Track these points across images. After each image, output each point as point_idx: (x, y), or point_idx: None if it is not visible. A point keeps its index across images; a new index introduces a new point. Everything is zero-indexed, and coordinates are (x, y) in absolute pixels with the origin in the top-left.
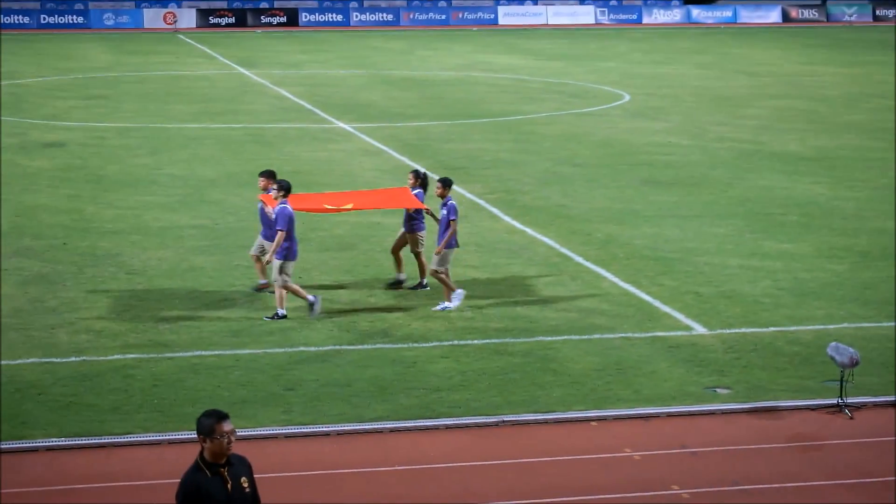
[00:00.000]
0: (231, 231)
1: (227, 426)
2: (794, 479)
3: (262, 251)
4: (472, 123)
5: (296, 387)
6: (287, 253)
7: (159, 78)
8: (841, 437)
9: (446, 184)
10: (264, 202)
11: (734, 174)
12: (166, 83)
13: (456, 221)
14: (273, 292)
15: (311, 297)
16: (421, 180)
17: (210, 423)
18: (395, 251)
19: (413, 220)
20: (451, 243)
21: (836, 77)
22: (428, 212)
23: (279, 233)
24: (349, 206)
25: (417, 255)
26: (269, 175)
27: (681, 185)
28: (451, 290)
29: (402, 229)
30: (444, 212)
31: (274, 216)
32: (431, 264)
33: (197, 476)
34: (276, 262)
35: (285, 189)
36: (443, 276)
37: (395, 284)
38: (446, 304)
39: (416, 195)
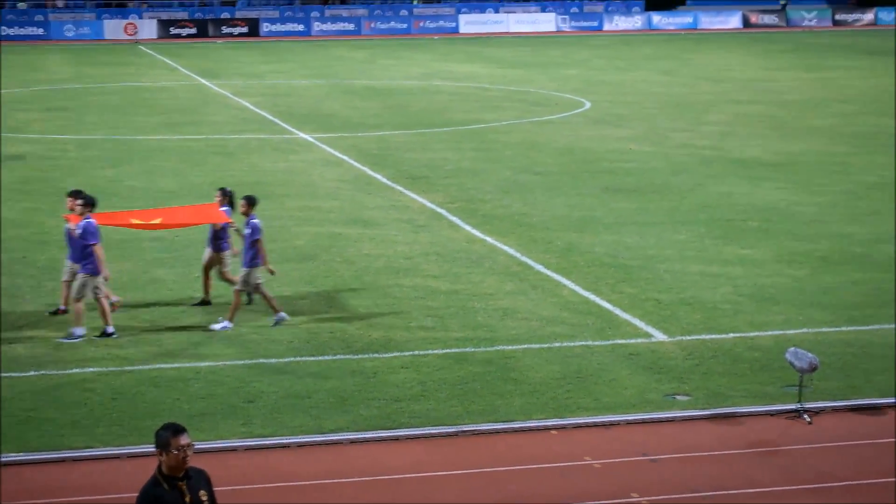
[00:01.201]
0: (191, 243)
1: (183, 440)
2: (754, 485)
3: (73, 276)
4: (434, 132)
5: (256, 399)
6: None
7: (120, 89)
8: (800, 442)
9: (251, 202)
10: (69, 220)
11: (695, 180)
12: (127, 95)
13: (260, 241)
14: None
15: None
16: (228, 198)
17: (166, 436)
18: (206, 270)
19: (219, 238)
20: (257, 262)
21: (797, 82)
22: (234, 228)
23: (95, 247)
24: (157, 221)
25: (223, 275)
26: (75, 195)
27: (642, 192)
28: (274, 309)
29: (209, 248)
30: (248, 231)
31: (79, 232)
32: (237, 284)
33: (155, 489)
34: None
35: (91, 204)
36: (260, 293)
37: (202, 304)
38: (226, 323)
39: (223, 212)
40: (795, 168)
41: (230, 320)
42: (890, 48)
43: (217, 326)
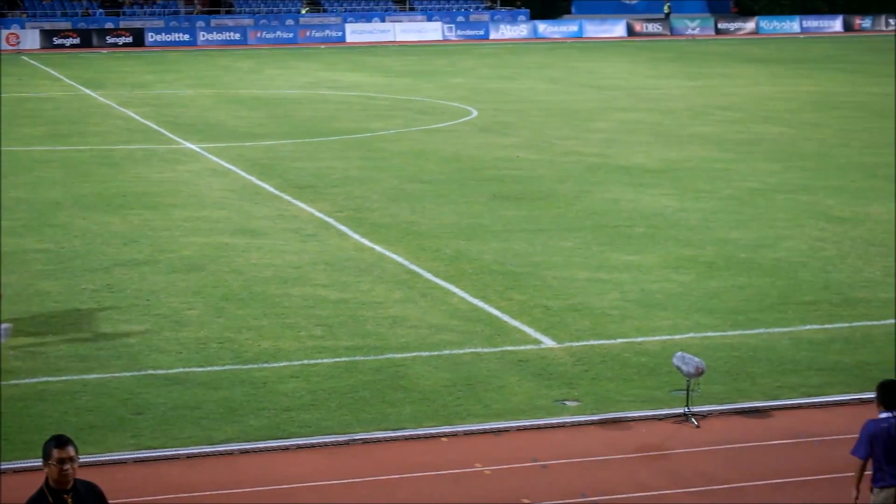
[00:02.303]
0: (77, 255)
1: (65, 452)
2: (643, 489)
3: None
4: (321, 141)
5: (144, 411)
6: None
7: (3, 100)
8: (688, 446)
9: None
10: None
11: (581, 188)
12: (10, 105)
13: None
14: None
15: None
16: None
17: (48, 448)
18: None
19: None
20: None
21: (681, 90)
22: None
23: None
24: None
25: None
26: None
27: (529, 200)
28: None
29: None
30: None
31: None
32: None
33: (39, 502)
34: None
35: None
36: None
37: None
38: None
39: None
40: (680, 175)
41: None
42: (770, 56)
43: None
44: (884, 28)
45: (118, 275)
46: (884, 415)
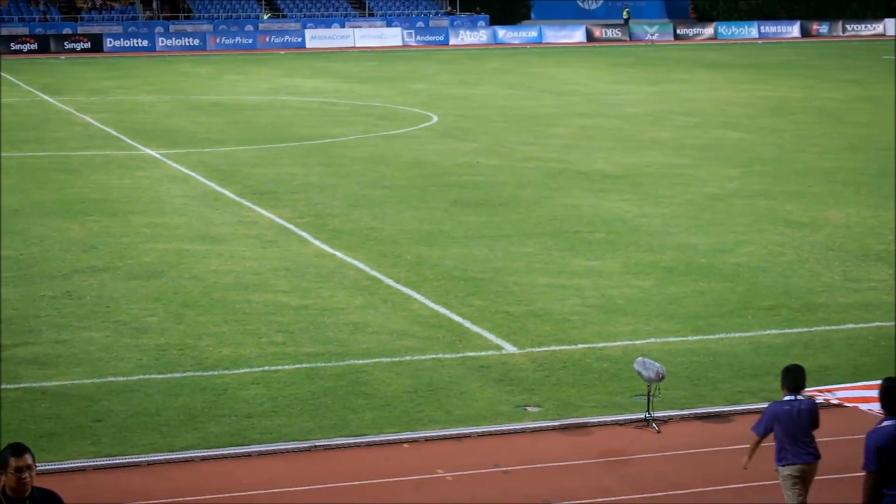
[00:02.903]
0: (36, 261)
1: (22, 460)
2: (604, 494)
3: None
4: (281, 147)
5: (104, 418)
6: None
7: None
8: (649, 451)
9: None
10: None
11: (541, 193)
12: None
13: None
14: None
15: None
16: None
17: (5, 456)
18: None
19: None
20: None
21: (640, 95)
22: None
23: None
24: None
25: None
26: None
27: (489, 206)
28: None
29: None
30: None
31: None
32: None
33: None
34: None
35: None
36: None
37: None
38: None
39: None
40: (640, 180)
41: None
42: (729, 61)
43: None
44: (840, 33)
45: (77, 282)
46: (787, 398)
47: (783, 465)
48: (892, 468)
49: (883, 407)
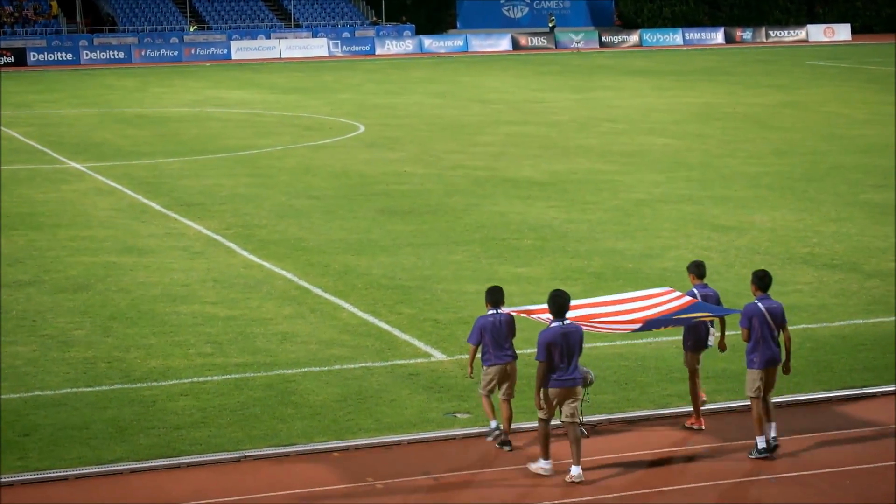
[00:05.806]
0: None
1: None
2: (533, 499)
3: None
4: (208, 159)
5: (32, 432)
6: None
7: None
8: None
9: None
10: None
11: (469, 201)
12: None
13: None
14: None
15: None
16: None
17: None
18: None
19: None
20: None
21: (566, 102)
22: None
23: None
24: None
25: None
26: None
27: (417, 214)
28: None
29: None
30: None
31: None
32: None
33: None
34: None
35: None
36: None
37: None
38: None
39: None
40: (567, 186)
41: None
42: (654, 68)
43: None
44: (764, 40)
45: (3, 296)
46: (491, 311)
47: (488, 366)
48: (558, 359)
49: (551, 312)
